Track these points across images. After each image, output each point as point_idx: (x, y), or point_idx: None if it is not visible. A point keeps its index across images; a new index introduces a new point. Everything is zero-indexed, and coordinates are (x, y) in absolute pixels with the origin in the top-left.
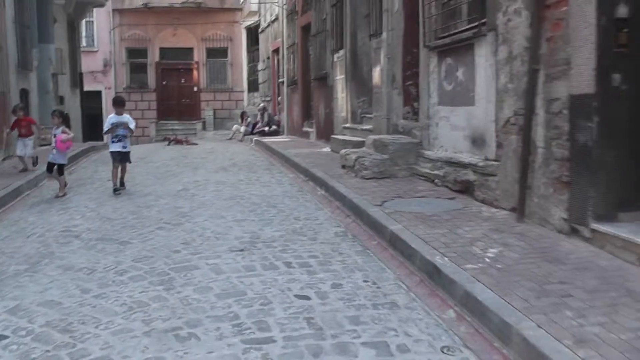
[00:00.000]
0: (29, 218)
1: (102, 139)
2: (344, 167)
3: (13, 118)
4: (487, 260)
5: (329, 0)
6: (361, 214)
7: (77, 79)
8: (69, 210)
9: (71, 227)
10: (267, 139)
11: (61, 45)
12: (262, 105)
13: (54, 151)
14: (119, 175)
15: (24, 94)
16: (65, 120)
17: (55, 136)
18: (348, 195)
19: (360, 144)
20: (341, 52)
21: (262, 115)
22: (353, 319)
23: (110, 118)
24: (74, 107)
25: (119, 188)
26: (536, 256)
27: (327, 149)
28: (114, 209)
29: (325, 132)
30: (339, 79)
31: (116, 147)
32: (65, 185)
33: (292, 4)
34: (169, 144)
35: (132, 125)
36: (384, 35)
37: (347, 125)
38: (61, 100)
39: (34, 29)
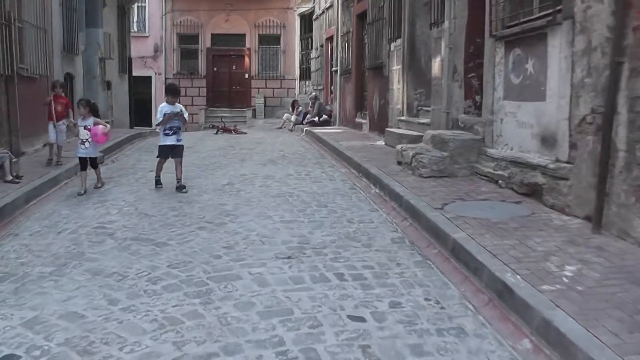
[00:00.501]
0: (63, 211)
1: (150, 125)
2: (400, 163)
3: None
4: (565, 280)
5: None
6: (419, 218)
7: (125, 64)
8: (106, 203)
9: (106, 224)
10: (318, 130)
11: (110, 30)
12: (313, 94)
13: (87, 144)
14: (176, 173)
15: (69, 78)
16: (92, 110)
17: (85, 128)
18: (405, 195)
19: (417, 139)
20: (398, 41)
21: (313, 104)
22: (415, 348)
23: (162, 108)
24: (121, 92)
25: (161, 181)
26: (620, 276)
27: (381, 142)
28: (154, 204)
29: (379, 125)
30: (395, 69)
31: (169, 141)
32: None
33: None
34: (217, 133)
35: (185, 116)
36: (446, 24)
37: (403, 118)
38: (108, 85)
39: (82, 12)
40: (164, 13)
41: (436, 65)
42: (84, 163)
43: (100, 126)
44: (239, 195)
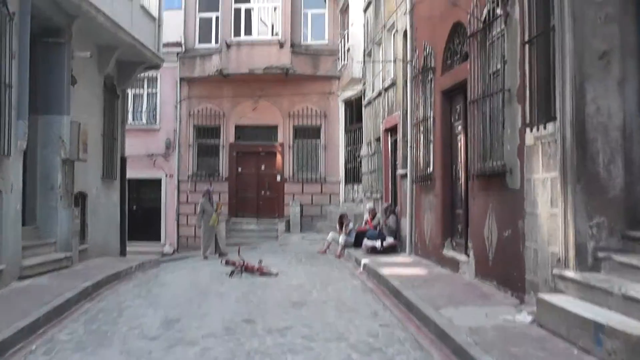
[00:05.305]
0: None
1: (158, 239)
2: None
3: None
4: None
5: (510, 35)
6: None
7: (115, 166)
8: None
9: None
10: (386, 268)
11: (92, 119)
12: (385, 204)
13: None
14: None
15: None
16: None
17: None
18: None
19: None
20: (549, 127)
21: (386, 217)
22: None
23: None
24: (107, 205)
25: None
26: None
27: (525, 317)
28: None
29: (501, 270)
30: (541, 179)
31: None
32: None
33: (423, 59)
34: (232, 275)
35: None
36: None
37: (570, 274)
38: (81, 198)
39: (23, 88)
40: (178, 101)
41: None
42: None
43: None
44: None
